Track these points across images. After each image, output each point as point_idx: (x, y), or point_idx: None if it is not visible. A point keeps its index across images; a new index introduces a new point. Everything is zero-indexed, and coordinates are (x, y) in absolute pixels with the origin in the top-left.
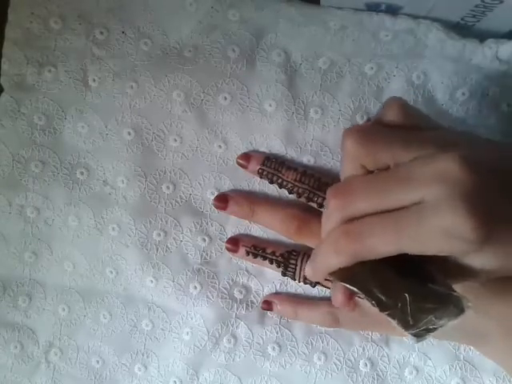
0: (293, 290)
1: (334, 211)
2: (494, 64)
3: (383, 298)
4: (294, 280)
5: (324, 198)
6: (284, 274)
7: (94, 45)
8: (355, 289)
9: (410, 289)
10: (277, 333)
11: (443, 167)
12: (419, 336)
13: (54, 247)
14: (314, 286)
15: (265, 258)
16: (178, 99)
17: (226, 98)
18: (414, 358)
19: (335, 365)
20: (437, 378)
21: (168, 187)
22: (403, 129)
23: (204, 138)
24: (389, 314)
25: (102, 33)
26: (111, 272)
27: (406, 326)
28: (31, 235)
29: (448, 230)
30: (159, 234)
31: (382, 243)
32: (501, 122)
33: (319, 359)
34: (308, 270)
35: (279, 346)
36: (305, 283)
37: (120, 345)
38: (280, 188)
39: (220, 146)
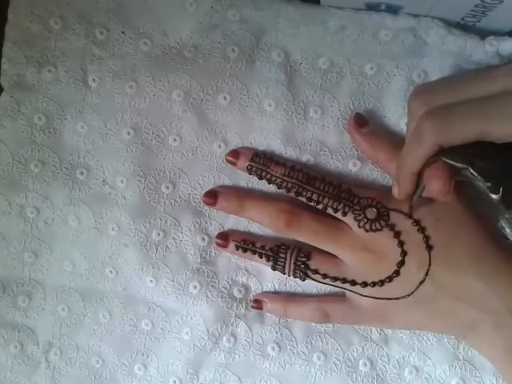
0: (292, 290)
1: (417, 109)
2: (495, 61)
3: (485, 166)
4: (284, 274)
5: (313, 192)
6: (274, 268)
7: (94, 45)
8: (458, 164)
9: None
10: (276, 332)
11: None
12: None
13: (54, 247)
14: (303, 280)
15: (254, 253)
16: (177, 99)
17: (225, 98)
18: (413, 358)
19: (335, 364)
20: (436, 377)
21: (167, 187)
22: None
23: (204, 137)
24: (490, 187)
25: (101, 33)
26: (111, 272)
27: (509, 205)
28: (31, 235)
29: None
30: (159, 234)
31: (469, 123)
32: None
33: (319, 359)
34: (395, 188)
35: (279, 346)
36: (294, 277)
37: (120, 345)
38: (269, 183)
39: (220, 146)
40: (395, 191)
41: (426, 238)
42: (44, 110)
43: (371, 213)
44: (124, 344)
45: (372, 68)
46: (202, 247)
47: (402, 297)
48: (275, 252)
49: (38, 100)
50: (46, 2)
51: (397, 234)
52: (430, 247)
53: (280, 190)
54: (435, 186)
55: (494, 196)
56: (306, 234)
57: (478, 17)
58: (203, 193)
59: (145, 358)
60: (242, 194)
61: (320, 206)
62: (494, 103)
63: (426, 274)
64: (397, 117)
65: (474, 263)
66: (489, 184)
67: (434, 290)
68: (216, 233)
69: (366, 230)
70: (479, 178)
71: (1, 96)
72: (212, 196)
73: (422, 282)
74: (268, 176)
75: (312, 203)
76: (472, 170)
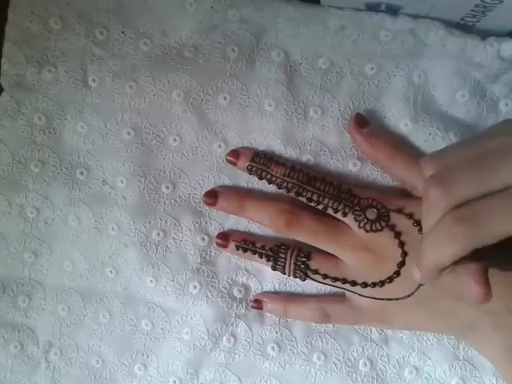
0: (292, 290)
1: (437, 201)
2: (495, 62)
3: None
4: (284, 274)
5: (313, 193)
6: (274, 268)
7: (94, 45)
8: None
9: None
10: (276, 332)
11: None
12: None
13: (54, 247)
14: (303, 280)
15: (254, 252)
16: (177, 99)
17: (225, 98)
18: (413, 358)
19: (335, 364)
20: (436, 377)
21: (167, 187)
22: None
23: (204, 137)
24: None
25: (101, 33)
26: (111, 272)
27: None
28: (31, 235)
29: None
30: (159, 234)
31: (503, 222)
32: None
33: (319, 359)
34: (416, 273)
35: (279, 346)
36: (294, 277)
37: (120, 345)
38: (269, 184)
39: (220, 146)
40: (416, 275)
41: None
42: (44, 110)
43: (371, 213)
44: (124, 344)
45: (372, 68)
46: (201, 247)
47: (403, 297)
48: (275, 252)
49: (38, 100)
50: (46, 1)
51: (397, 235)
52: None
53: (280, 190)
54: (475, 294)
55: None
56: (306, 234)
57: (478, 17)
58: (203, 193)
59: (145, 358)
60: (242, 194)
61: (320, 207)
62: None
63: None
64: (397, 117)
65: None
66: None
67: (434, 291)
68: (216, 233)
69: (367, 231)
70: None
71: (1, 96)
72: (212, 196)
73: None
74: (268, 176)
75: (312, 203)
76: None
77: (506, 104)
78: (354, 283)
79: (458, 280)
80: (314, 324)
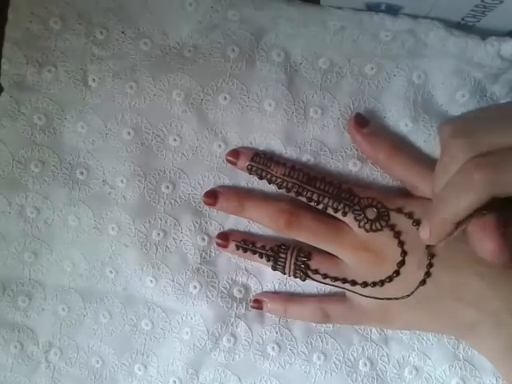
0: (292, 290)
1: (458, 153)
2: (496, 62)
3: None
4: (284, 274)
5: (313, 192)
6: (274, 268)
7: (94, 45)
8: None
9: None
10: (276, 332)
11: None
12: None
13: (54, 247)
14: (304, 280)
15: (254, 252)
16: (177, 99)
17: (225, 98)
18: (413, 358)
19: (335, 364)
20: (436, 377)
21: (167, 187)
22: None
23: (204, 137)
24: None
25: (101, 33)
26: (111, 272)
27: None
28: (31, 235)
29: None
30: (159, 234)
31: None
32: None
33: (319, 359)
34: (425, 232)
35: (279, 346)
36: (295, 277)
37: (120, 345)
38: (269, 183)
39: (220, 146)
40: (425, 235)
41: None
42: (44, 110)
43: (371, 213)
44: (124, 344)
45: (372, 68)
46: (202, 247)
47: (402, 297)
48: (275, 252)
49: (38, 100)
50: (46, 1)
51: (397, 234)
52: (430, 247)
53: (280, 190)
54: (487, 248)
55: None
56: (306, 234)
57: (478, 17)
58: (203, 193)
59: (145, 357)
60: (242, 194)
61: (320, 206)
62: None
63: (427, 274)
64: (397, 117)
65: (474, 263)
66: None
67: (434, 290)
68: (216, 233)
69: (367, 230)
70: None
71: (1, 96)
72: (212, 196)
73: (422, 282)
74: (268, 176)
75: (312, 203)
76: None
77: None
78: (353, 283)
79: (471, 235)
80: (314, 324)
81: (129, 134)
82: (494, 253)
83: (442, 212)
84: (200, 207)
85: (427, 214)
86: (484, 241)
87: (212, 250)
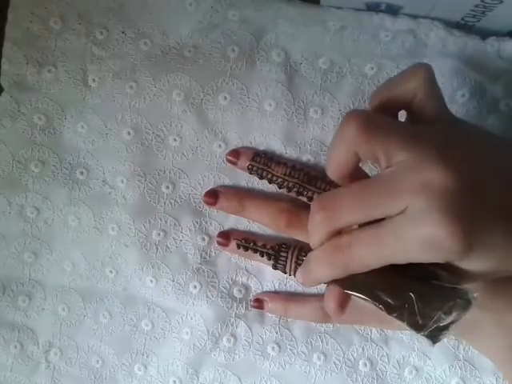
0: (292, 290)
1: (320, 224)
2: (496, 62)
3: (390, 301)
4: (285, 273)
5: (314, 192)
6: (275, 267)
7: (94, 45)
8: (360, 295)
9: (415, 288)
10: (276, 332)
11: (428, 177)
12: (434, 337)
13: (54, 247)
14: None
15: (255, 251)
16: (177, 99)
17: (225, 98)
18: (413, 358)
19: (335, 365)
20: (436, 377)
21: (167, 187)
22: (414, 109)
23: (204, 137)
24: (397, 316)
25: (101, 33)
26: (111, 272)
27: (417, 326)
28: (31, 235)
29: (428, 242)
30: (159, 234)
31: (368, 257)
32: (500, 122)
33: (319, 359)
34: (299, 277)
35: (279, 346)
36: (295, 276)
37: (120, 345)
38: (270, 183)
39: (220, 146)
40: (298, 278)
41: None
42: (44, 110)
43: None
44: (124, 344)
45: (372, 68)
46: (202, 247)
47: None
48: (276, 251)
49: (38, 100)
50: (46, 1)
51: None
52: None
53: (280, 190)
54: (330, 306)
55: (398, 321)
56: (307, 233)
57: (477, 17)
58: (203, 192)
59: (145, 357)
60: (243, 194)
61: None
62: (390, 232)
63: None
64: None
65: None
66: (393, 315)
67: None
68: (216, 233)
69: None
70: (381, 308)
71: (1, 96)
72: (212, 196)
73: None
74: (269, 176)
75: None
76: (374, 302)
77: (507, 104)
78: None
79: (326, 292)
80: (314, 324)
81: (129, 133)
82: (331, 313)
83: (310, 272)
84: (200, 207)
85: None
86: (329, 302)
87: (212, 249)
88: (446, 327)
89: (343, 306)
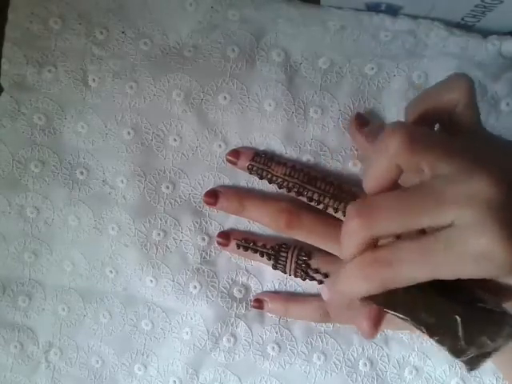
0: (292, 290)
1: (357, 230)
2: (497, 61)
3: (432, 323)
4: (285, 273)
5: (314, 192)
6: (275, 267)
7: (94, 45)
8: (399, 314)
9: (460, 310)
10: (276, 332)
11: (476, 189)
12: (473, 364)
13: (54, 247)
14: (304, 279)
15: (255, 251)
16: (177, 99)
17: (225, 98)
18: (413, 358)
19: (335, 364)
20: (436, 377)
21: (167, 187)
22: (454, 120)
23: (204, 137)
24: (438, 340)
25: (101, 33)
26: (111, 272)
27: (458, 352)
28: (31, 235)
29: (480, 256)
30: (159, 234)
31: (413, 271)
32: (500, 121)
33: (319, 359)
34: (325, 292)
35: (279, 346)
36: (295, 276)
37: (120, 345)
38: (270, 183)
39: (220, 146)
40: (324, 296)
41: None
42: (44, 110)
43: None
44: (124, 344)
45: (372, 68)
46: (202, 247)
47: None
48: (276, 251)
49: (38, 100)
50: (45, 1)
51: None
52: None
53: (280, 190)
54: (362, 327)
55: (437, 345)
56: (307, 233)
57: (478, 17)
58: (203, 193)
59: (145, 357)
60: (243, 194)
61: (320, 206)
62: (438, 246)
63: None
64: (397, 117)
65: None
66: (435, 338)
67: None
68: (216, 233)
69: None
70: (422, 329)
71: (1, 96)
72: (213, 196)
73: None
74: (269, 176)
75: (313, 203)
76: (415, 323)
77: (508, 104)
78: None
79: (358, 312)
80: (314, 324)
81: (129, 134)
82: (365, 334)
83: (340, 289)
84: (200, 207)
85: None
86: (361, 323)
87: (212, 249)
88: (488, 354)
89: (377, 326)
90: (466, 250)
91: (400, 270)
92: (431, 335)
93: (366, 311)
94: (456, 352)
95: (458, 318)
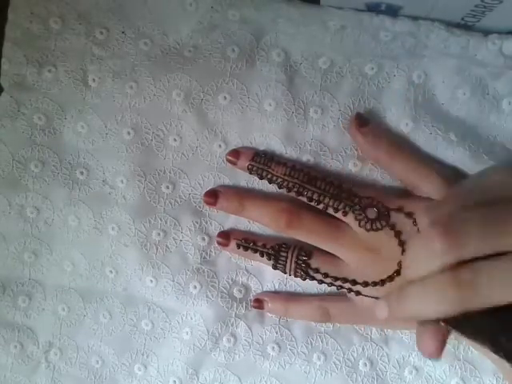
0: (292, 290)
1: (442, 254)
2: (498, 60)
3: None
4: (285, 273)
5: (314, 192)
6: (275, 267)
7: (94, 45)
8: (475, 341)
9: None
10: (276, 332)
11: None
12: None
13: (54, 247)
14: (304, 279)
15: (255, 251)
16: (177, 99)
17: (225, 98)
18: (413, 358)
19: (335, 364)
20: (436, 377)
21: (167, 187)
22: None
23: (204, 137)
24: None
25: (101, 33)
26: (111, 272)
27: None
28: (31, 235)
29: None
30: (159, 234)
31: (495, 293)
32: (501, 120)
33: (319, 359)
34: (383, 310)
35: (279, 346)
36: (295, 276)
37: (120, 345)
38: (270, 183)
39: (220, 146)
40: (382, 315)
41: None
42: (44, 110)
43: (372, 212)
44: (124, 344)
45: (372, 68)
46: (202, 247)
47: None
48: (276, 251)
49: (38, 100)
50: (45, 1)
51: (397, 234)
52: None
53: (280, 190)
54: (427, 347)
55: None
56: (307, 233)
57: (477, 17)
58: (203, 192)
59: (145, 357)
60: (243, 194)
61: (321, 206)
62: None
63: None
64: (397, 116)
65: None
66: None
67: None
68: (216, 233)
69: (367, 230)
70: (501, 355)
71: (1, 96)
72: (212, 196)
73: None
74: (269, 176)
75: (313, 203)
76: (495, 349)
77: (509, 103)
78: (354, 282)
79: (419, 330)
80: (314, 324)
81: (129, 133)
82: (428, 355)
83: (410, 308)
84: (200, 207)
85: (390, 296)
86: (426, 343)
87: (212, 249)
88: None
89: (442, 348)
90: None
91: (482, 293)
92: (511, 361)
93: (432, 330)
94: None
95: None
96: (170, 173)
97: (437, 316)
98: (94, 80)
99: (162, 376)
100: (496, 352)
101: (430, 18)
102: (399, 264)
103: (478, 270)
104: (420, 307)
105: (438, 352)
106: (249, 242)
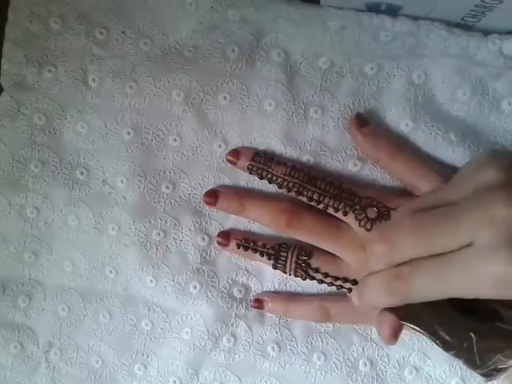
0: (292, 290)
1: (381, 257)
2: (498, 60)
3: (448, 338)
4: (285, 273)
5: (314, 192)
6: (275, 267)
7: (94, 45)
8: (417, 327)
9: (476, 327)
10: (276, 332)
11: (494, 211)
12: (488, 375)
13: (54, 247)
14: (304, 279)
15: (255, 251)
16: (177, 99)
17: (225, 98)
18: (413, 358)
19: (335, 364)
20: (436, 377)
21: (167, 187)
22: None
23: (204, 137)
24: (454, 354)
25: (101, 33)
26: (111, 272)
27: (473, 365)
28: (31, 235)
29: (497, 278)
30: (159, 234)
31: (431, 289)
32: (501, 121)
33: (319, 359)
34: (355, 298)
35: (279, 346)
36: (295, 276)
37: (120, 345)
38: (270, 183)
39: (220, 146)
40: (354, 301)
41: None
42: (44, 110)
43: (372, 212)
44: (124, 344)
45: (372, 68)
46: (202, 247)
47: None
48: (276, 251)
49: (38, 100)
50: (45, 1)
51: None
52: None
53: (280, 190)
54: (384, 333)
55: (454, 358)
56: (307, 233)
57: (478, 17)
58: (203, 192)
59: (145, 357)
60: (243, 194)
61: (321, 206)
62: (457, 265)
63: None
64: (397, 116)
65: None
66: (451, 352)
67: None
68: (216, 233)
69: (367, 230)
70: (438, 343)
71: (1, 96)
72: (212, 196)
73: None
74: (269, 176)
75: (313, 203)
76: (432, 337)
77: (509, 103)
78: (354, 282)
79: (378, 317)
80: (314, 324)
81: (129, 133)
82: (385, 340)
83: (365, 299)
84: (200, 207)
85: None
86: (382, 329)
87: (212, 249)
88: (504, 369)
89: (396, 335)
90: (484, 273)
91: (418, 286)
92: (446, 349)
93: (389, 319)
94: (472, 365)
95: (473, 335)
96: (170, 173)
97: (385, 305)
98: (93, 80)
99: (162, 376)
100: (434, 341)
101: (430, 18)
102: None
103: (416, 266)
104: (371, 298)
105: (391, 339)
106: (249, 242)
